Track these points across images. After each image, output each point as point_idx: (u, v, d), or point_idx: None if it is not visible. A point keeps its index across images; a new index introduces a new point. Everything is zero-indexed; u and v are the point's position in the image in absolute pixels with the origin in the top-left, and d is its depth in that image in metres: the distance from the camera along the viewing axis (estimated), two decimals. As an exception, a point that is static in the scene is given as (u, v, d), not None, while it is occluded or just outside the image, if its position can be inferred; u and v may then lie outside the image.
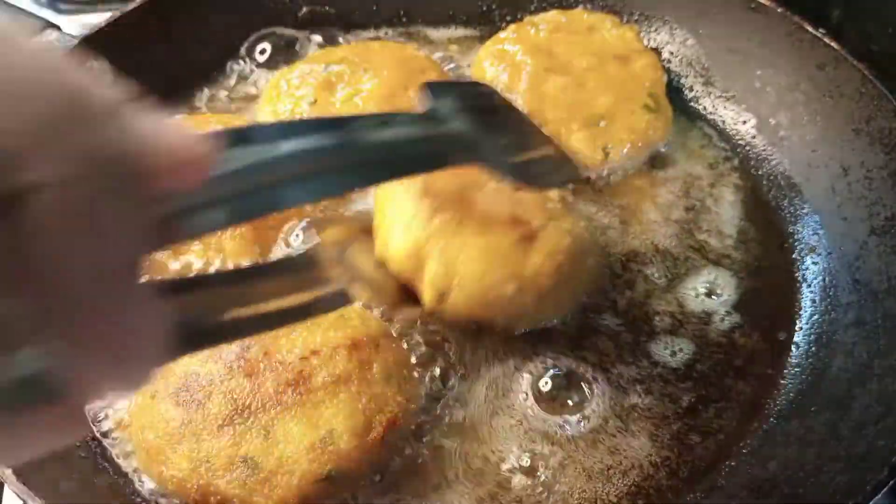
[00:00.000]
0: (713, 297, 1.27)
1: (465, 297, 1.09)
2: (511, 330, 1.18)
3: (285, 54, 1.66)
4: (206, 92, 1.57)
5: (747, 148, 1.49)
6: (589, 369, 1.15)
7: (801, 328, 1.24)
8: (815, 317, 1.25)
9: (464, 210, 1.13)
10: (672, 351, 1.19)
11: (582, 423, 1.10)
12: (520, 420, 1.11)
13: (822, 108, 1.38)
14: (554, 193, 1.24)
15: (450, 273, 1.08)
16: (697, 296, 1.27)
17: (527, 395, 1.13)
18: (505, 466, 1.07)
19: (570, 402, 1.12)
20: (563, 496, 1.04)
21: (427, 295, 1.09)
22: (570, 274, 1.15)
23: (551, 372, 1.15)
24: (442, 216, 1.10)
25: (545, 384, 1.14)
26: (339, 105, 1.42)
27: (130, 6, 1.49)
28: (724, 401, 1.15)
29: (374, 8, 1.72)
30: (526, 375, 1.15)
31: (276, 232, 1.28)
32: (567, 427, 1.10)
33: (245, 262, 1.25)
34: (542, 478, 1.05)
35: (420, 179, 1.17)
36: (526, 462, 1.07)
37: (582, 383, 1.14)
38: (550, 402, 1.12)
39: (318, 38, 1.70)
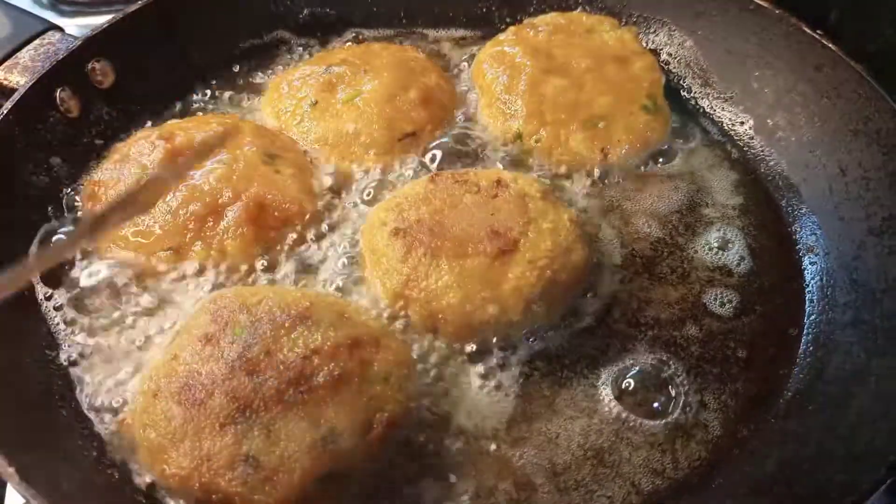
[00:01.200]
0: (726, 250, 1.33)
1: (453, 329, 1.16)
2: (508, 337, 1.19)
3: (286, 56, 1.67)
4: (208, 93, 1.58)
5: (745, 149, 1.50)
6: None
7: (799, 328, 1.24)
8: (813, 316, 1.25)
9: (438, 237, 1.17)
10: (721, 301, 1.26)
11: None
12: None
13: (820, 109, 1.39)
14: (536, 190, 1.26)
15: (432, 312, 1.15)
16: (711, 249, 1.33)
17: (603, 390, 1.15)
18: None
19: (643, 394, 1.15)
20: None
21: (420, 334, 1.17)
22: (557, 275, 1.17)
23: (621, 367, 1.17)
24: (415, 253, 1.15)
25: (624, 382, 1.16)
26: (340, 106, 1.43)
27: (132, 8, 1.49)
28: (725, 399, 1.15)
29: (375, 10, 1.73)
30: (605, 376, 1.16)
31: (276, 232, 1.29)
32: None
33: (246, 264, 1.26)
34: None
35: (392, 215, 1.22)
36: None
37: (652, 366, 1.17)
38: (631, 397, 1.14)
39: (318, 39, 1.71)
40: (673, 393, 1.15)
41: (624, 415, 1.12)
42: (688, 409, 1.14)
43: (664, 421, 1.12)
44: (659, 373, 1.17)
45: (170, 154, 1.31)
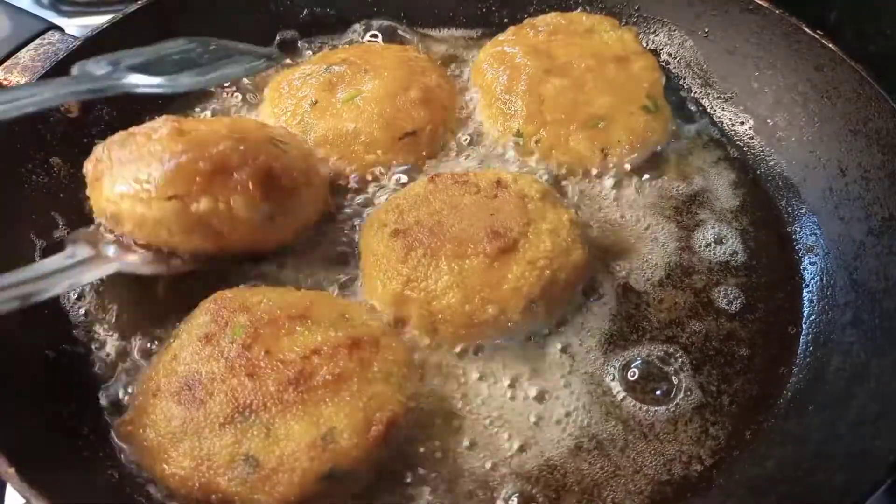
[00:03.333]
0: (726, 250, 1.34)
1: (453, 330, 1.16)
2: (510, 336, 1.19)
3: (286, 56, 1.67)
4: (208, 93, 1.58)
5: (745, 149, 1.50)
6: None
7: (799, 328, 1.25)
8: (813, 316, 1.25)
9: (437, 238, 1.17)
10: (721, 301, 1.26)
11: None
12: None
13: (820, 108, 1.39)
14: (535, 190, 1.26)
15: (432, 312, 1.15)
16: (711, 248, 1.33)
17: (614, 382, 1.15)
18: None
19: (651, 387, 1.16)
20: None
21: (419, 336, 1.17)
22: (557, 275, 1.17)
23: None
24: (415, 254, 1.16)
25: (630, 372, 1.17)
26: (341, 105, 1.43)
27: (132, 8, 1.49)
28: (724, 399, 1.15)
29: (375, 10, 1.73)
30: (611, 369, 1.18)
31: (283, 195, 1.23)
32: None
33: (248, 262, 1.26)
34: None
35: (392, 216, 1.22)
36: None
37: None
38: (636, 390, 1.15)
39: (319, 39, 1.71)
40: (671, 395, 1.15)
41: (624, 416, 1.13)
42: (687, 410, 1.14)
43: (664, 422, 1.12)
44: (657, 373, 1.17)
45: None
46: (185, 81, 1.12)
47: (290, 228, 1.27)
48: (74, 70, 1.13)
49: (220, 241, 1.18)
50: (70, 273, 1.10)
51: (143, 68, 1.11)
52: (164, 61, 1.15)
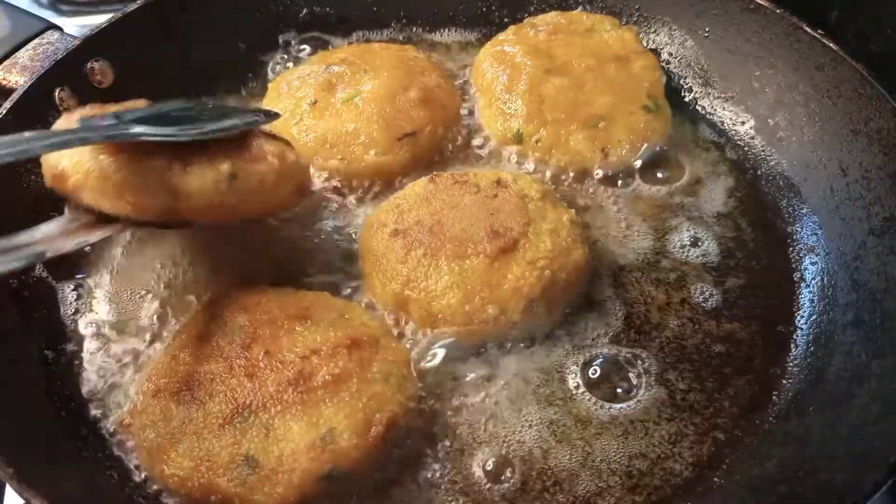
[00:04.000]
0: (725, 250, 1.34)
1: (452, 329, 1.15)
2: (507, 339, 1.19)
3: (286, 56, 1.67)
4: (207, 93, 1.58)
5: (746, 148, 1.50)
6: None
7: (799, 328, 1.25)
8: (814, 317, 1.25)
9: (437, 238, 1.17)
10: (722, 302, 1.26)
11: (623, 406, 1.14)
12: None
13: (821, 108, 1.39)
14: (535, 190, 1.26)
15: (432, 312, 1.15)
16: (710, 248, 1.33)
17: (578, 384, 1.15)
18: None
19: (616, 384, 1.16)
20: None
21: (420, 335, 1.16)
22: (557, 275, 1.17)
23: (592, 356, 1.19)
24: (415, 254, 1.16)
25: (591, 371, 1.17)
26: (340, 105, 1.42)
27: (131, 7, 1.49)
28: (725, 400, 1.15)
29: (375, 10, 1.73)
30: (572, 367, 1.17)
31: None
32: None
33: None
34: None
35: (392, 216, 1.22)
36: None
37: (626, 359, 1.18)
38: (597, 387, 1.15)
39: (318, 39, 1.70)
40: (673, 394, 1.15)
41: (624, 416, 1.12)
42: (687, 409, 1.14)
43: (663, 422, 1.12)
44: (659, 374, 1.17)
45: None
46: (190, 132, 1.11)
47: (252, 200, 1.11)
48: (76, 123, 1.07)
49: (174, 200, 1.02)
50: (74, 234, 1.05)
51: (146, 121, 1.11)
52: (165, 117, 1.15)
